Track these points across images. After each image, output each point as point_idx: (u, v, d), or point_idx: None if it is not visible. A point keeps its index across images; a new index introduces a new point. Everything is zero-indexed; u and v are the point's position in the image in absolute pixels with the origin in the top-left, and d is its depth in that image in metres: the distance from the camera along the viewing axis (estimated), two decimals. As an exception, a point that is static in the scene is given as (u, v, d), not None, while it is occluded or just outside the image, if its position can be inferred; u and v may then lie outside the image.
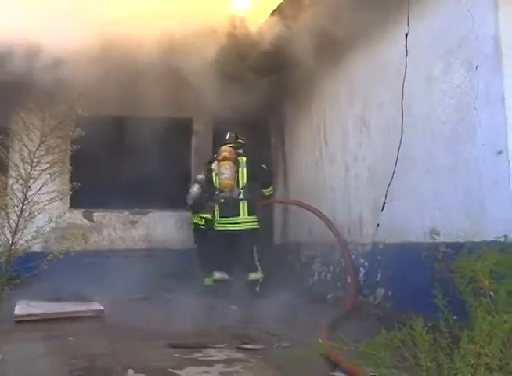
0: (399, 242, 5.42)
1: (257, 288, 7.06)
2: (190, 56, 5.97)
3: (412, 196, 5.22)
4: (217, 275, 7.18)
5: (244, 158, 7.29)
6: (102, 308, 5.70)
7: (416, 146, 5.20)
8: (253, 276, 7.08)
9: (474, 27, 4.41)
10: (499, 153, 4.13)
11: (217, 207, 7.25)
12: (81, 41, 5.56)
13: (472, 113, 4.42)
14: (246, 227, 7.12)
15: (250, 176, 7.21)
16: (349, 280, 6.23)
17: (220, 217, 7.24)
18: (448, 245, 4.65)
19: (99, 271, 6.71)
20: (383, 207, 5.63)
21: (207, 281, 7.40)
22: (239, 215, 7.12)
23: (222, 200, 7.18)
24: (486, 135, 4.27)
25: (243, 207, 7.13)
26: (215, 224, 7.30)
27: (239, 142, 7.51)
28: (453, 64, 4.66)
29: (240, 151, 7.40)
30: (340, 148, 6.79)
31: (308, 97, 7.74)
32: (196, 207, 7.76)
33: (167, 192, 8.33)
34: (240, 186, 7.17)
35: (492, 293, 2.78)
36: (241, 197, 7.12)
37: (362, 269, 6.11)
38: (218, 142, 8.32)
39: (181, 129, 8.77)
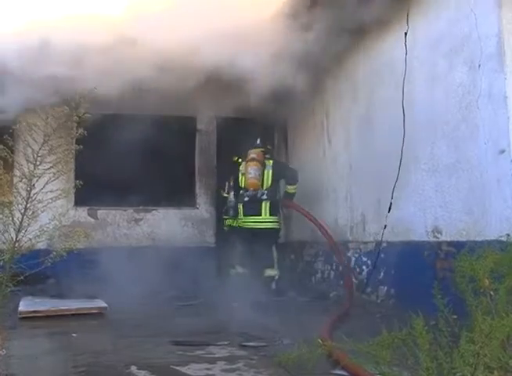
0: (402, 241, 5.43)
1: (273, 285, 7.15)
2: (194, 53, 5.97)
3: (415, 195, 5.22)
4: (238, 269, 7.43)
5: (271, 161, 7.46)
6: (105, 305, 5.72)
7: (418, 145, 5.20)
8: (268, 272, 7.17)
9: (476, 25, 4.41)
10: (502, 152, 4.13)
11: (240, 206, 7.43)
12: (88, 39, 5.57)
13: (475, 112, 4.43)
14: (267, 227, 7.27)
15: (276, 177, 7.37)
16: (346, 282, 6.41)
17: (243, 215, 7.39)
18: (450, 244, 4.66)
19: (103, 268, 6.73)
20: (389, 209, 5.61)
21: (232, 272, 7.61)
22: (260, 215, 7.26)
23: (246, 199, 7.33)
24: (489, 134, 4.28)
25: (265, 207, 7.25)
26: (239, 222, 7.50)
27: (268, 148, 7.69)
28: (456, 63, 4.67)
29: (268, 156, 7.56)
30: (344, 147, 6.79)
31: (311, 96, 7.73)
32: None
33: (172, 189, 8.36)
34: (264, 187, 7.31)
35: (492, 292, 2.79)
36: (264, 197, 7.26)
37: (364, 267, 6.12)
38: (221, 141, 8.44)
39: (185, 128, 8.78)
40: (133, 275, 6.50)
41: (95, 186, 7.54)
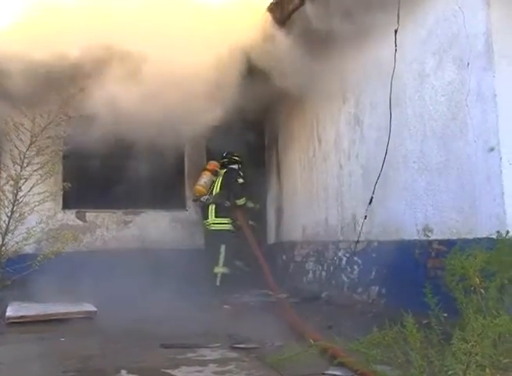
0: (393, 240, 5.45)
1: (217, 282, 7.75)
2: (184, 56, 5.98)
3: (405, 193, 5.25)
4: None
5: (223, 170, 8.31)
6: (94, 309, 5.70)
7: (408, 144, 5.22)
8: (215, 269, 7.82)
9: (465, 24, 4.44)
10: (491, 149, 4.16)
11: (199, 210, 8.46)
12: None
13: (464, 111, 4.45)
14: (216, 228, 8.03)
15: (225, 186, 8.15)
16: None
17: (202, 219, 8.30)
18: (441, 242, 4.68)
19: (92, 271, 6.70)
20: (370, 201, 5.73)
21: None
22: (208, 218, 8.09)
23: (200, 205, 8.32)
24: (478, 132, 4.31)
25: (211, 210, 8.07)
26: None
27: (234, 159, 8.44)
28: (445, 61, 4.70)
29: (234, 166, 8.37)
30: (334, 146, 6.80)
31: (301, 96, 7.75)
32: None
33: (161, 191, 8.35)
34: (213, 194, 8.14)
35: (482, 290, 2.81)
36: (210, 201, 8.10)
37: (356, 267, 6.13)
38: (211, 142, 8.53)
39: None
40: (122, 278, 6.49)
41: (83, 188, 7.56)
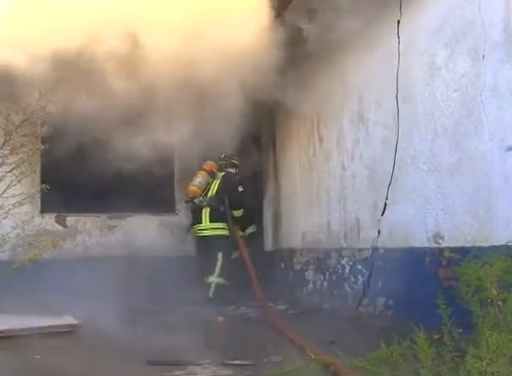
0: (401, 247, 5.42)
1: (210, 293, 7.61)
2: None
3: (415, 197, 5.22)
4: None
5: (222, 173, 8.19)
6: (75, 322, 5.64)
7: (417, 143, 5.20)
8: (209, 279, 7.71)
9: (480, 11, 4.40)
10: (509, 149, 4.13)
11: (190, 214, 8.33)
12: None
13: (479, 107, 4.42)
14: (211, 233, 7.91)
15: (222, 191, 7.97)
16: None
17: (192, 224, 8.18)
18: (453, 250, 4.65)
19: (73, 281, 6.66)
20: (383, 211, 5.64)
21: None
22: (201, 223, 7.96)
23: (192, 207, 8.17)
24: (494, 130, 4.27)
25: (205, 213, 7.93)
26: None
27: (232, 162, 8.30)
28: (458, 53, 4.66)
29: (230, 170, 8.22)
30: (336, 146, 6.78)
31: (300, 92, 7.73)
32: None
33: (149, 194, 8.30)
34: (208, 196, 8.00)
35: (500, 303, 2.78)
36: (204, 203, 7.96)
37: (360, 276, 6.10)
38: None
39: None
40: (106, 288, 6.44)
41: (63, 190, 7.51)
